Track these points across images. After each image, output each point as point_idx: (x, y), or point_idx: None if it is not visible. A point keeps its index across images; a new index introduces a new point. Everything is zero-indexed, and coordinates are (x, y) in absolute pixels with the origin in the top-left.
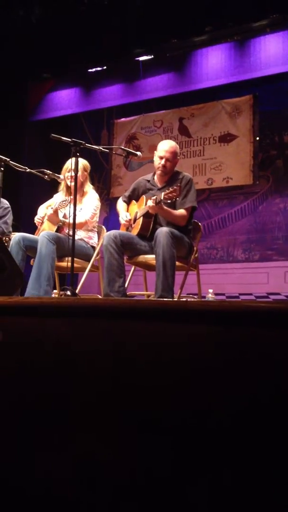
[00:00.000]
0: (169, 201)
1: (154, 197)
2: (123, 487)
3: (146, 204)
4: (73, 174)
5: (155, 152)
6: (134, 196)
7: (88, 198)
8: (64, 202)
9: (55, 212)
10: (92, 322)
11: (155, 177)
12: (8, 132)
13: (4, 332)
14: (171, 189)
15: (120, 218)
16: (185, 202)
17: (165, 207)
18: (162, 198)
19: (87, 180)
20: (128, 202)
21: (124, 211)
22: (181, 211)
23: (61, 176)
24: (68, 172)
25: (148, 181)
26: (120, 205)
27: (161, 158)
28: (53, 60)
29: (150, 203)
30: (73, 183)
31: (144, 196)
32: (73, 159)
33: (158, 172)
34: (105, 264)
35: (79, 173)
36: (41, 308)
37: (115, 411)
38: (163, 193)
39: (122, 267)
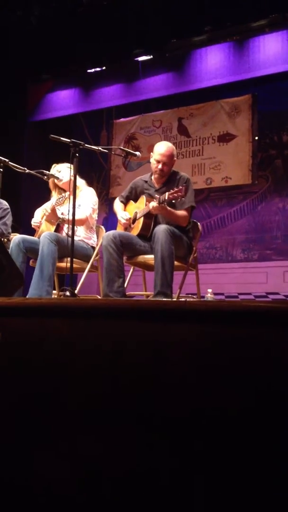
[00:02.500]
0: (173, 201)
1: (157, 197)
2: (122, 486)
3: (146, 204)
4: (60, 176)
5: (151, 153)
6: (131, 196)
7: (84, 194)
8: (61, 198)
9: (53, 210)
10: (91, 322)
11: (153, 178)
12: (7, 132)
13: (3, 333)
14: (176, 189)
15: (120, 218)
16: (184, 202)
17: (168, 208)
18: (166, 198)
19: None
20: (125, 202)
21: (122, 211)
22: (182, 212)
23: (60, 177)
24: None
25: (146, 181)
26: (117, 205)
27: (157, 162)
28: (52, 61)
29: (154, 204)
30: (61, 183)
31: (143, 196)
32: (58, 165)
33: (156, 175)
34: (104, 265)
35: (65, 173)
36: (41, 308)
37: (114, 410)
38: (167, 193)
39: (122, 268)
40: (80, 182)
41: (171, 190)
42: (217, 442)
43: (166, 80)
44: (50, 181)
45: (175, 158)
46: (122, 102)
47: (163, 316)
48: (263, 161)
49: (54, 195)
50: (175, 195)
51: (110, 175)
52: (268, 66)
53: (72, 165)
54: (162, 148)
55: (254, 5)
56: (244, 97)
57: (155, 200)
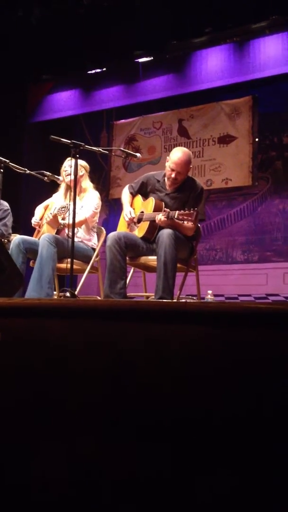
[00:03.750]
0: (182, 221)
1: (167, 211)
2: (122, 488)
3: (153, 208)
4: (69, 171)
5: (167, 157)
6: (141, 191)
7: (88, 196)
8: (63, 209)
9: (54, 217)
10: (91, 323)
11: (166, 180)
12: (8, 133)
13: (3, 333)
14: (187, 211)
15: (124, 214)
16: None
17: (176, 221)
18: (175, 216)
19: (85, 177)
20: (134, 194)
21: (129, 206)
22: (189, 224)
23: (61, 178)
24: (65, 171)
25: (158, 181)
26: (126, 196)
27: (172, 170)
28: (52, 62)
29: (161, 217)
30: (68, 180)
31: (152, 198)
32: (72, 160)
33: (169, 182)
34: (107, 265)
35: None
36: (41, 309)
37: (114, 412)
38: (177, 213)
39: (124, 269)
40: (88, 184)
41: (182, 211)
42: (218, 443)
43: (166, 82)
44: (62, 171)
45: (191, 165)
46: (122, 104)
47: (163, 317)
48: (263, 162)
49: (61, 190)
50: (185, 217)
51: (110, 176)
52: (269, 68)
53: (81, 165)
54: (177, 156)
55: (255, 7)
56: (244, 98)
57: (163, 212)
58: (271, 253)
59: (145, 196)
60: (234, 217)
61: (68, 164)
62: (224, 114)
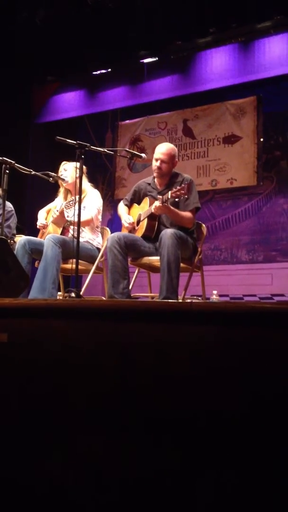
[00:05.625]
0: (176, 199)
1: (160, 198)
2: (124, 487)
3: (149, 205)
4: (65, 175)
5: (153, 155)
6: (135, 199)
7: (89, 196)
8: (71, 202)
9: (61, 213)
10: (96, 323)
11: (155, 180)
12: (13, 134)
13: (9, 333)
14: (178, 187)
15: (123, 221)
16: (188, 204)
17: (172, 208)
18: (169, 197)
19: (83, 179)
20: (129, 205)
21: (126, 214)
22: (186, 213)
23: (65, 179)
24: (60, 175)
25: (149, 184)
26: (122, 208)
27: (156, 160)
28: (57, 63)
29: (157, 203)
30: (64, 184)
31: (147, 198)
32: (68, 163)
33: (155, 174)
34: (109, 266)
35: (71, 173)
36: (46, 309)
37: (119, 411)
38: (170, 192)
39: (126, 269)
40: (86, 185)
41: (174, 189)
42: (220, 444)
43: (171, 82)
44: (62, 187)
45: (177, 159)
46: (127, 104)
47: (168, 317)
48: (268, 162)
49: (60, 195)
50: (178, 193)
51: (115, 177)
52: (273, 68)
53: (77, 167)
54: (161, 147)
55: (259, 7)
56: (249, 98)
57: (159, 200)
58: (276, 253)
59: (140, 203)
60: (239, 217)
61: (63, 168)
62: (229, 114)
